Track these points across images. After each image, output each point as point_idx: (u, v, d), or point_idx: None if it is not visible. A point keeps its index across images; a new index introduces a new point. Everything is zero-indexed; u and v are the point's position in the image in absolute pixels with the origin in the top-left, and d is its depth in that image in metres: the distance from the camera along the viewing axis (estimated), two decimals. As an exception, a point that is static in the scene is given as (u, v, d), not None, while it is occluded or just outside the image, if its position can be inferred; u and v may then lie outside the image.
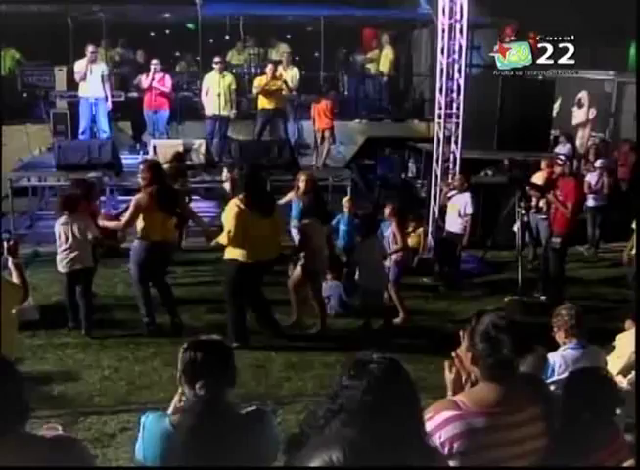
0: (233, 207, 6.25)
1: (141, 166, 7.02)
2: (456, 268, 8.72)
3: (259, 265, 6.40)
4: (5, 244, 4.54)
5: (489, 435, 2.32)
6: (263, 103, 11.70)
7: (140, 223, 6.60)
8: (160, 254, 6.70)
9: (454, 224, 8.58)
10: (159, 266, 6.85)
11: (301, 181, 7.39)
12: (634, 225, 7.60)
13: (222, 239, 6.32)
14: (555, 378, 4.14)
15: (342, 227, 8.01)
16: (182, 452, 2.45)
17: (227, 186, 8.98)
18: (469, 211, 8.38)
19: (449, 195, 8.91)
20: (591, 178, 10.24)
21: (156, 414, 2.64)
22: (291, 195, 7.85)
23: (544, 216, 8.57)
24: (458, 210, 8.48)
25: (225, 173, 9.71)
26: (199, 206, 10.17)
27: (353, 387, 1.91)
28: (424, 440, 1.99)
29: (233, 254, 6.34)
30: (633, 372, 4.38)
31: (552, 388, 3.84)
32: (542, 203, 8.67)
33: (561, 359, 4.29)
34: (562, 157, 8.86)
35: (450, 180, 9.29)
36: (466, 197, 8.45)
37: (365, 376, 1.92)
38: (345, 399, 1.89)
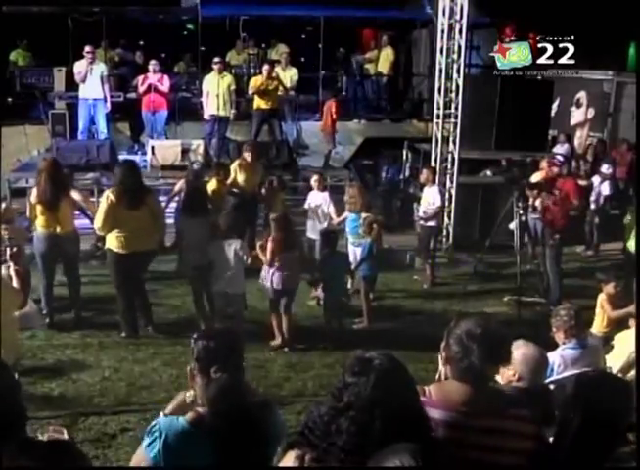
0: (105, 198, 6.45)
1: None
2: (432, 261, 8.78)
3: (137, 255, 6.52)
4: (8, 250, 4.54)
5: (444, 429, 2.29)
6: (259, 103, 11.68)
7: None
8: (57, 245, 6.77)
9: (428, 218, 8.75)
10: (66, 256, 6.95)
11: (351, 195, 7.81)
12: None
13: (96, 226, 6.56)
14: (554, 377, 4.14)
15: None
16: (204, 443, 2.44)
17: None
18: (438, 202, 8.62)
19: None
20: (594, 181, 10.26)
21: (167, 418, 2.59)
22: (346, 213, 8.03)
23: (537, 216, 8.61)
24: (428, 202, 8.67)
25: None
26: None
27: (359, 384, 1.90)
28: (430, 427, 2.01)
29: (109, 243, 6.54)
30: (633, 372, 4.38)
31: (551, 387, 3.86)
32: (538, 202, 8.68)
33: (560, 359, 4.29)
34: (559, 157, 8.86)
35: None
36: (434, 190, 8.69)
37: (370, 372, 1.91)
38: (353, 397, 1.88)
